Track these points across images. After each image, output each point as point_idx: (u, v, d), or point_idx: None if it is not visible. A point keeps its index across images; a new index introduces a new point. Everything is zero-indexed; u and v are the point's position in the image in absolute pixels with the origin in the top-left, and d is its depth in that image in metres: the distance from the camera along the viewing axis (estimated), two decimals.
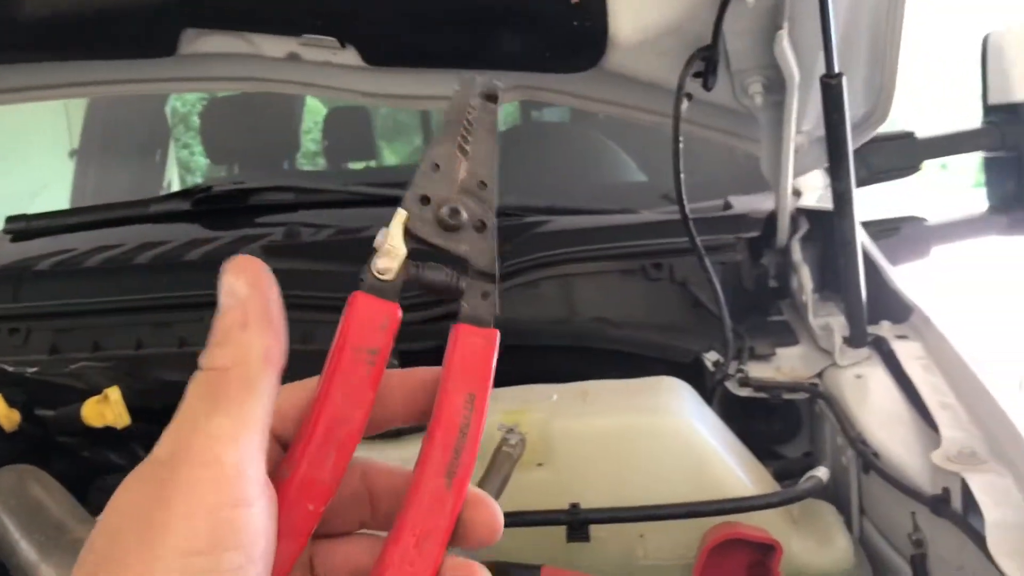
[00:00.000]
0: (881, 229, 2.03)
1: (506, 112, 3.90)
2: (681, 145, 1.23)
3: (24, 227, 1.64)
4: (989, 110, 1.97)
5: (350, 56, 1.31)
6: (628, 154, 2.40)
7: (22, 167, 3.34)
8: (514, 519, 0.93)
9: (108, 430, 1.30)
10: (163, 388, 1.41)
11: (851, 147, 1.13)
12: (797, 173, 1.51)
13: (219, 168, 3.76)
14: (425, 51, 1.30)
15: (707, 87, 1.27)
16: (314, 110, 4.58)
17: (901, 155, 2.00)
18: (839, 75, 1.10)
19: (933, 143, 2.03)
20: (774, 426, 1.31)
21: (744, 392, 1.23)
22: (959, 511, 0.89)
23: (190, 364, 1.30)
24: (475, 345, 0.47)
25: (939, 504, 0.91)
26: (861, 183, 2.09)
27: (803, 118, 1.34)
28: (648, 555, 0.95)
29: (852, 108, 1.38)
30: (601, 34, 1.22)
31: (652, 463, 0.95)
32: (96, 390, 1.31)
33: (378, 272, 0.45)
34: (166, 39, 1.29)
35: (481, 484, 0.85)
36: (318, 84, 1.40)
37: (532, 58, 1.30)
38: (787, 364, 1.28)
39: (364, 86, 1.40)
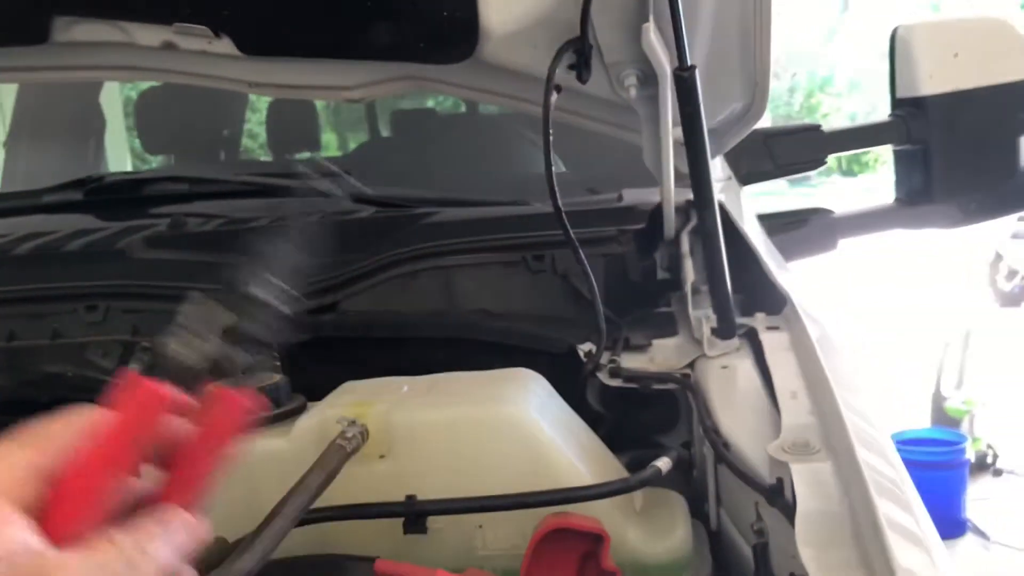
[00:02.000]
0: (789, 221, 2.05)
1: (455, 102, 3.90)
2: (552, 137, 1.23)
3: None
4: (896, 104, 1.99)
5: (226, 45, 1.30)
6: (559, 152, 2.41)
7: None
8: (350, 512, 0.93)
9: None
10: (44, 379, 1.40)
11: (708, 145, 1.13)
12: (683, 164, 1.52)
13: (155, 158, 3.73)
14: (300, 41, 1.29)
15: (581, 79, 1.28)
16: (262, 99, 4.55)
17: (807, 148, 2.02)
18: (691, 68, 1.10)
19: (840, 136, 2.05)
20: (652, 416, 1.31)
21: (615, 382, 1.24)
22: (790, 501, 0.89)
23: (66, 354, 1.29)
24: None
25: (773, 494, 0.92)
26: (768, 176, 2.12)
27: None
28: (486, 546, 0.95)
29: (730, 102, 1.40)
30: (472, 24, 1.22)
31: (490, 454, 0.95)
32: None
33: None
34: (37, 26, 1.27)
35: (304, 477, 0.84)
36: (199, 73, 1.38)
37: (407, 48, 1.29)
38: (661, 355, 1.28)
39: (247, 75, 1.39)
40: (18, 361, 1.38)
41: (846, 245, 2.09)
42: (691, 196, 1.56)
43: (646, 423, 1.31)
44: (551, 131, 1.24)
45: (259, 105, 4.48)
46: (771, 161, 2.01)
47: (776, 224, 2.03)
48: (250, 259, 1.41)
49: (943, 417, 4.78)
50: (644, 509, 1.00)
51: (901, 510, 0.75)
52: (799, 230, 2.03)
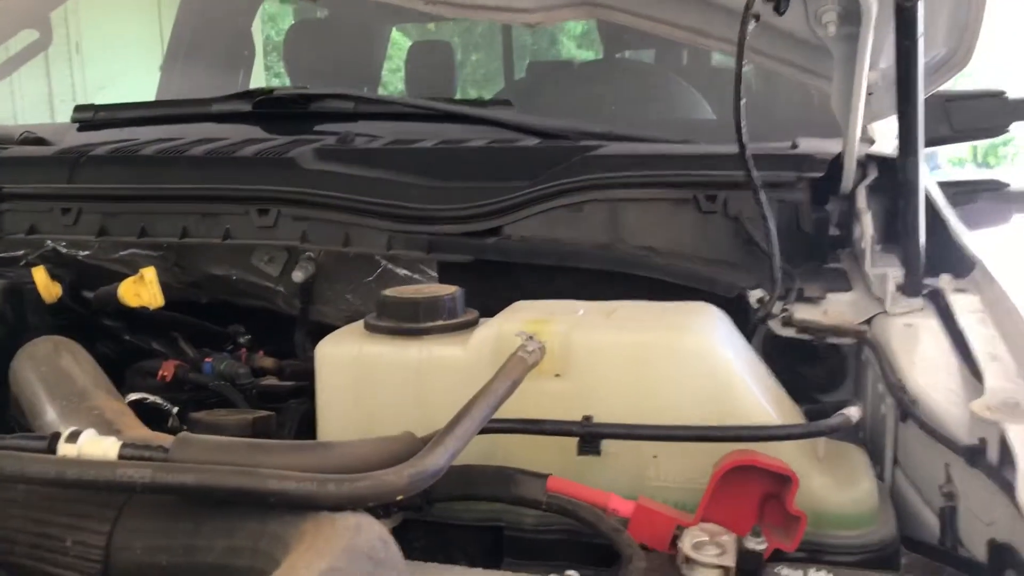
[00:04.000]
0: (961, 191, 1.94)
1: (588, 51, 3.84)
2: (746, 68, 1.17)
3: (90, 116, 1.67)
4: None
5: None
6: (705, 98, 2.34)
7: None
8: (526, 426, 0.91)
9: (151, 317, 1.33)
10: (210, 281, 1.43)
11: (922, 84, 1.06)
12: (870, 117, 1.43)
13: None
14: None
15: (779, 11, 1.21)
16: (398, 42, 4.58)
17: (989, 114, 1.90)
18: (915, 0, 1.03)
19: None
20: (817, 372, 1.26)
21: (787, 332, 1.19)
22: (994, 463, 0.84)
23: (232, 257, 1.32)
24: None
25: (974, 454, 0.86)
26: (943, 141, 2.00)
27: (879, 54, 1.27)
28: (660, 476, 0.93)
29: (932, 48, 1.30)
30: None
31: (672, 383, 0.91)
32: None
33: None
34: None
35: (489, 384, 0.83)
36: None
37: None
38: (836, 309, 1.22)
39: None
40: (188, 259, 1.41)
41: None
42: (868, 151, 1.49)
43: (809, 379, 1.26)
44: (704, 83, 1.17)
45: (394, 52, 4.52)
46: (948, 125, 1.89)
47: (948, 193, 1.92)
48: (416, 176, 1.41)
49: None
50: (827, 459, 0.95)
51: None
52: (971, 202, 1.91)
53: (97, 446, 0.74)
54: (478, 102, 1.59)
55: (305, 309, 1.40)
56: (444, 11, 1.41)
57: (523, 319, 0.97)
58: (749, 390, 0.91)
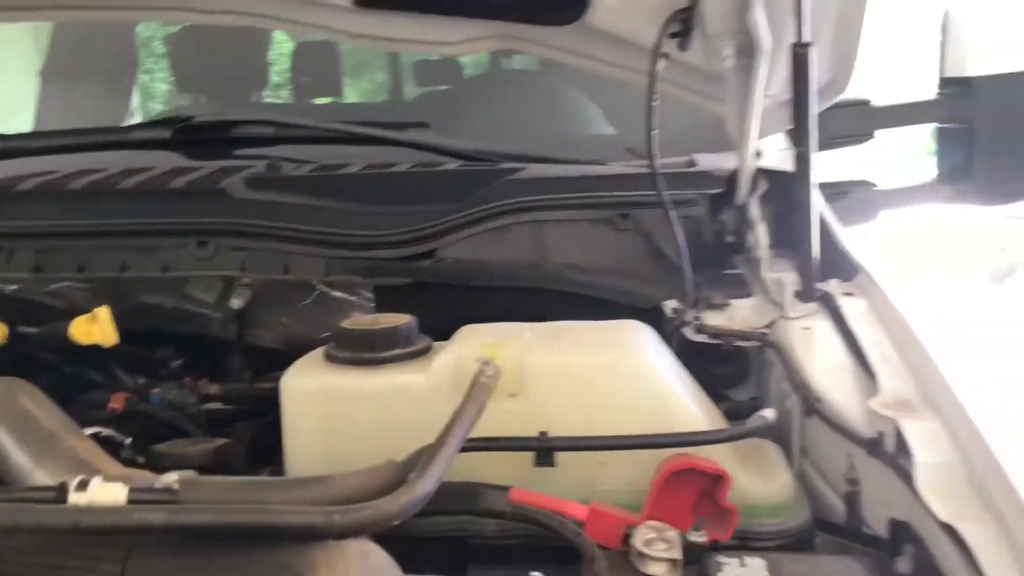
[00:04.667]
0: (832, 192, 2.12)
1: (475, 59, 3.93)
2: (656, 103, 1.29)
3: (1, 146, 1.65)
4: (944, 83, 2.06)
5: None
6: (598, 106, 2.46)
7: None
8: (487, 444, 1.01)
9: (89, 349, 1.35)
10: (145, 311, 1.46)
11: (815, 114, 1.20)
12: (761, 135, 1.58)
13: (183, 96, 3.73)
14: None
15: (682, 48, 1.33)
16: (280, 43, 4.54)
17: (857, 122, 2.09)
18: (808, 44, 1.17)
19: (888, 112, 2.11)
20: (725, 371, 1.39)
21: (700, 338, 1.31)
22: (892, 453, 0.98)
23: (171, 289, 1.36)
24: None
25: (874, 446, 1.01)
26: (818, 148, 2.19)
27: (771, 82, 1.41)
28: (608, 482, 1.03)
29: (817, 75, 1.46)
30: None
31: (616, 398, 1.02)
32: (78, 310, 1.35)
33: None
34: None
35: (458, 411, 0.91)
36: (304, 22, 1.43)
37: (519, 8, 1.34)
38: (740, 314, 1.36)
39: (351, 27, 1.44)
40: (124, 291, 1.44)
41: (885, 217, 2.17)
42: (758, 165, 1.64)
43: (719, 378, 1.39)
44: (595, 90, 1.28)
45: (281, 48, 4.49)
46: (822, 133, 2.07)
47: (822, 194, 2.10)
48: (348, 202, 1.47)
49: None
50: (747, 456, 1.08)
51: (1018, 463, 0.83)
52: (841, 201, 2.10)
53: (107, 493, 0.79)
54: (397, 125, 1.65)
55: (241, 334, 1.44)
56: (369, 44, 1.48)
57: (478, 344, 1.06)
58: (681, 400, 1.03)
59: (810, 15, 1.33)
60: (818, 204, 1.56)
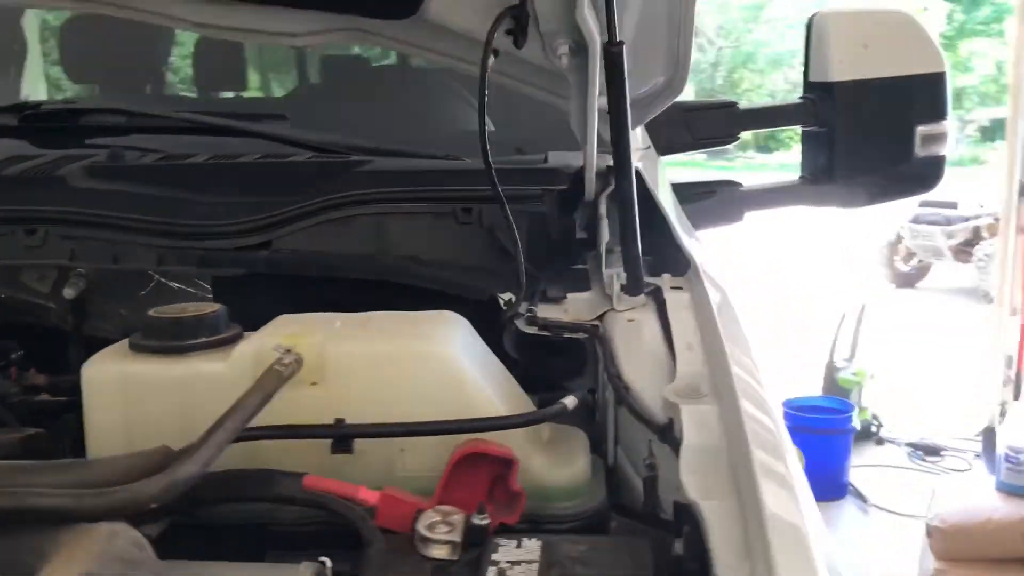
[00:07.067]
0: (699, 191, 2.18)
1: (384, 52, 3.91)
2: (487, 98, 1.31)
3: None
4: (808, 87, 2.13)
5: None
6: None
7: None
8: (284, 431, 1.01)
9: None
10: None
11: (630, 114, 1.23)
12: (606, 131, 1.62)
13: (83, 87, 3.65)
14: None
15: (517, 45, 1.36)
16: (188, 34, 4.47)
17: (723, 124, 2.14)
18: (620, 43, 1.20)
19: (753, 114, 2.18)
20: (561, 363, 1.42)
21: (530, 330, 1.34)
22: (678, 438, 1.01)
23: (4, 278, 1.32)
24: None
25: (664, 432, 1.04)
26: (685, 148, 2.24)
27: None
28: (407, 468, 1.05)
29: (654, 76, 1.50)
30: None
31: (414, 386, 1.04)
32: None
33: None
34: None
35: (243, 397, 0.92)
36: (147, 9, 1.42)
37: (357, 1, 1.35)
38: (574, 308, 1.39)
39: (194, 16, 1.43)
40: None
41: (753, 218, 2.23)
42: (611, 162, 1.68)
43: (556, 369, 1.42)
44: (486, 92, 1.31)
45: (183, 39, 4.42)
46: (689, 134, 2.12)
47: (687, 194, 2.15)
48: (188, 192, 1.46)
49: (834, 387, 5.06)
50: (550, 442, 1.10)
51: (769, 453, 0.87)
52: (708, 200, 2.15)
53: None
54: (253, 116, 1.65)
55: (78, 325, 1.43)
56: (214, 33, 1.47)
57: (283, 333, 1.07)
58: (478, 387, 1.05)
59: (641, 13, 1.37)
60: (659, 197, 1.61)
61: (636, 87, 1.45)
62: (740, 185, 2.17)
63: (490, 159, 1.34)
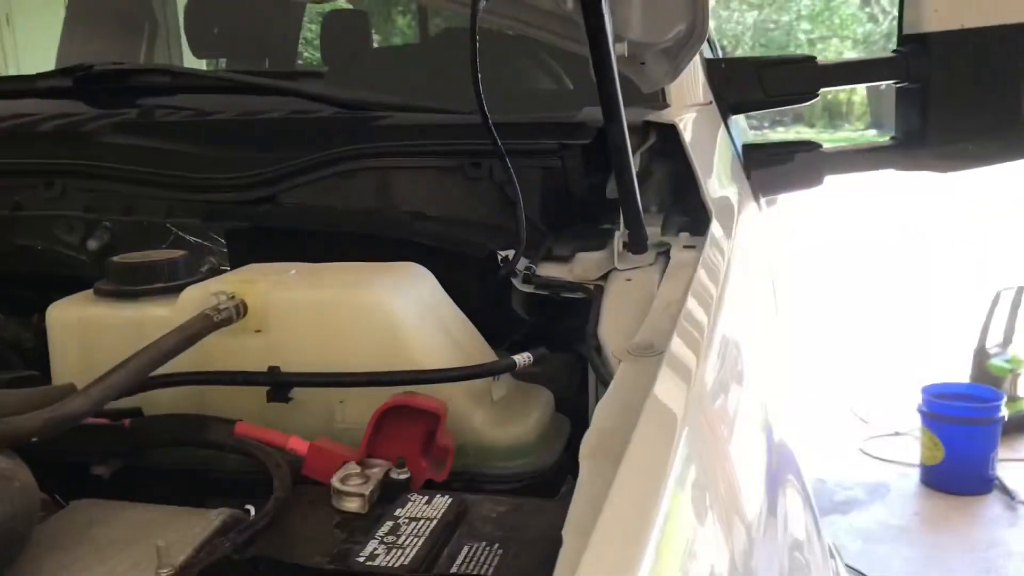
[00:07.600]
0: (775, 154, 2.03)
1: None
2: (478, 43, 1.25)
3: None
4: (902, 40, 1.94)
5: None
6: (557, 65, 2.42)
7: None
8: (214, 377, 1.01)
9: None
10: (16, 252, 1.50)
11: (615, 57, 1.14)
12: (648, 84, 1.52)
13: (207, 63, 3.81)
14: None
15: None
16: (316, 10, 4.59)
17: (801, 79, 1.99)
18: None
19: (835, 69, 2.01)
20: (569, 324, 1.35)
21: (527, 288, 1.28)
22: None
23: (31, 230, 1.38)
24: None
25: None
26: (757, 106, 2.09)
27: (627, 26, 1.35)
28: (345, 420, 1.02)
29: (675, 22, 1.39)
30: None
31: (352, 335, 1.00)
32: None
33: None
34: None
35: (159, 339, 0.91)
36: None
37: None
38: (581, 267, 1.32)
39: None
40: None
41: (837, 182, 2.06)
42: (649, 117, 1.58)
43: (567, 330, 1.35)
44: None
45: (317, 17, 4.55)
46: (762, 91, 1.98)
47: (762, 156, 2.01)
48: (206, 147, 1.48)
49: (984, 374, 4.67)
50: (505, 400, 1.04)
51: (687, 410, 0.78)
52: (785, 164, 2.01)
53: None
54: (290, 74, 1.66)
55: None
56: None
57: (234, 280, 1.06)
58: (418, 340, 1.00)
59: None
60: (692, 153, 1.50)
61: (659, 34, 1.36)
62: (820, 146, 2.01)
63: (486, 109, 1.28)
